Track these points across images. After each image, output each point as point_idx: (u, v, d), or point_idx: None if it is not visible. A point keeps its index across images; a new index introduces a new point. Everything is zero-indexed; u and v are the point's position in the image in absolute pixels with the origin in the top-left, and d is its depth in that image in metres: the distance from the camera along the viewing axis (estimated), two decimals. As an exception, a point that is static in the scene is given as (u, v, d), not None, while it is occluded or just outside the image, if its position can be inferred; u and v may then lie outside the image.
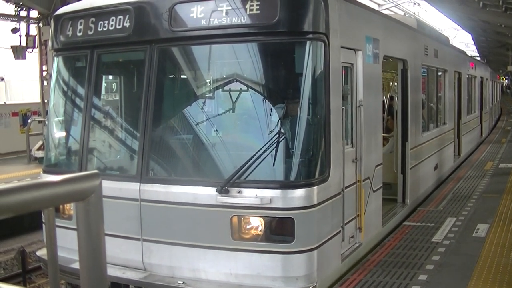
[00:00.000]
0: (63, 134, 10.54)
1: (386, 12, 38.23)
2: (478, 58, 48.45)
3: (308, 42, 8.55)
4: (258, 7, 8.24)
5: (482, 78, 32.36)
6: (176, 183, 8.78)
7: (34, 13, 26.86)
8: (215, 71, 9.59)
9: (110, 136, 10.30)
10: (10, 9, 27.27)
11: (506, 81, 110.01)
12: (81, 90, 10.08)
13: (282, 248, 8.20)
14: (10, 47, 27.68)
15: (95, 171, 2.45)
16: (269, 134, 8.49)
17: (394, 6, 56.01)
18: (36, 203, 2.12)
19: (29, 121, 26.93)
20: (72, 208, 9.35)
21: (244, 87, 9.13)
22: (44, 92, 26.12)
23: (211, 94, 9.55)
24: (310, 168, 8.56)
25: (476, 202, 14.99)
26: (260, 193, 8.13)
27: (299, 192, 8.17)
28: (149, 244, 8.88)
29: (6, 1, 26.02)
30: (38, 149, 24.54)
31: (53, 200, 2.19)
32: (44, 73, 26.50)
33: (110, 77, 11.29)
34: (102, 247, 2.40)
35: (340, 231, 9.26)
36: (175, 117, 9.72)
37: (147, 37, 9.08)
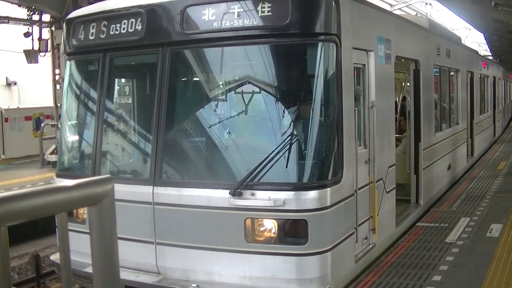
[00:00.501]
0: (76, 137, 10.57)
1: (398, 12, 38.18)
2: (491, 58, 48.20)
3: (320, 44, 8.54)
4: (269, 9, 8.24)
5: (494, 77, 32.26)
6: (189, 186, 8.77)
7: (46, 17, 26.95)
8: (227, 73, 9.59)
9: (123, 140, 10.32)
10: (23, 13, 27.38)
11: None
12: (93, 94, 10.10)
13: (296, 250, 8.19)
14: (22, 51, 27.76)
15: (108, 175, 2.46)
16: (281, 136, 8.49)
17: (406, 6, 55.86)
18: (49, 208, 2.12)
19: (42, 125, 26.94)
20: (85, 212, 9.37)
21: (257, 89, 9.13)
22: (57, 96, 26.18)
23: (223, 97, 9.56)
24: (323, 169, 8.55)
25: (490, 202, 14.93)
26: (273, 195, 8.12)
27: (312, 194, 8.16)
28: (163, 247, 8.88)
29: (18, 5, 26.12)
30: (51, 153, 24.60)
31: (66, 205, 2.20)
32: (57, 77, 26.57)
33: (123, 80, 11.30)
34: (115, 251, 2.41)
35: (353, 233, 9.24)
36: (188, 120, 9.73)
37: (159, 40, 9.08)
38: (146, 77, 10.50)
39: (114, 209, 2.36)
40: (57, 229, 2.38)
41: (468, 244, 11.05)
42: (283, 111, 8.77)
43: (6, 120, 28.30)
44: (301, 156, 8.46)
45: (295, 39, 8.64)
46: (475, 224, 12.55)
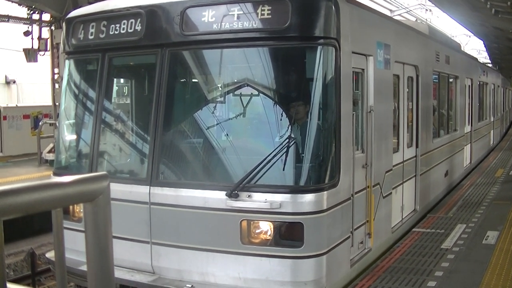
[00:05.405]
0: (74, 137, 10.57)
1: (397, 18, 38.18)
2: (490, 65, 48.25)
3: (319, 47, 8.54)
4: (269, 11, 8.23)
5: (493, 85, 32.28)
6: (186, 187, 8.76)
7: (46, 16, 26.98)
8: (226, 75, 9.58)
9: (120, 139, 10.31)
10: (23, 12, 27.39)
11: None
12: (92, 93, 10.09)
13: (291, 252, 8.19)
14: (22, 50, 27.76)
15: (104, 172, 2.45)
16: (279, 138, 8.49)
17: (406, 12, 55.90)
18: (44, 204, 2.12)
19: (40, 123, 26.94)
20: (81, 210, 9.35)
21: (255, 92, 9.13)
22: (55, 95, 26.21)
23: (221, 99, 9.55)
24: (320, 173, 8.54)
25: (486, 209, 14.95)
26: (269, 197, 8.11)
27: (309, 197, 8.15)
28: (158, 247, 8.87)
29: (18, 4, 26.13)
30: (49, 151, 24.59)
31: (61, 200, 2.19)
32: (56, 76, 26.60)
33: (121, 80, 11.30)
34: (110, 248, 2.40)
35: (349, 237, 9.24)
36: (185, 121, 9.71)
37: (159, 41, 9.08)
38: (144, 78, 10.49)
39: (109, 207, 2.36)
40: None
41: (464, 250, 11.06)
42: (281, 114, 8.76)
43: (5, 118, 28.30)
44: (298, 159, 8.45)
45: (294, 43, 8.64)
46: (471, 231, 12.57)
